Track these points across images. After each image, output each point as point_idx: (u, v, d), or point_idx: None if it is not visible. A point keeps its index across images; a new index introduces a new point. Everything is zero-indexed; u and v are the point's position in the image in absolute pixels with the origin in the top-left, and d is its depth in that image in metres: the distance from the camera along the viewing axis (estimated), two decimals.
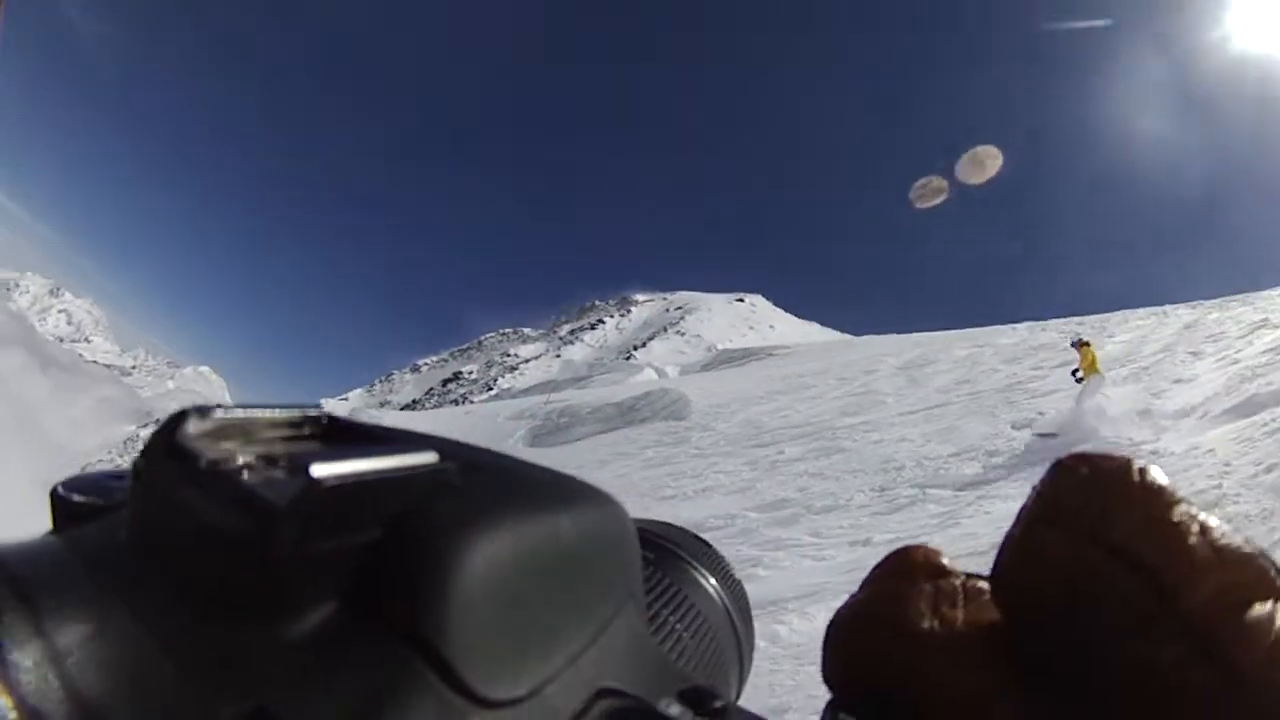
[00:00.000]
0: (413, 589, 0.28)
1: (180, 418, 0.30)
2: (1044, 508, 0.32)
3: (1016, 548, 0.33)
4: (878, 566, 0.38)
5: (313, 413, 0.34)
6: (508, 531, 0.32)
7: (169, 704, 0.24)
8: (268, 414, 0.32)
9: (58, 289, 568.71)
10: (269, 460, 0.29)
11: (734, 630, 0.67)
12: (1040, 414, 19.20)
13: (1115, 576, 0.30)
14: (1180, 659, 0.29)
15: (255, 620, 0.27)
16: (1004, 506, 12.43)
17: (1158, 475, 0.32)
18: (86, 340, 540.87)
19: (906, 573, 0.37)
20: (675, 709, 0.33)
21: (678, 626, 0.60)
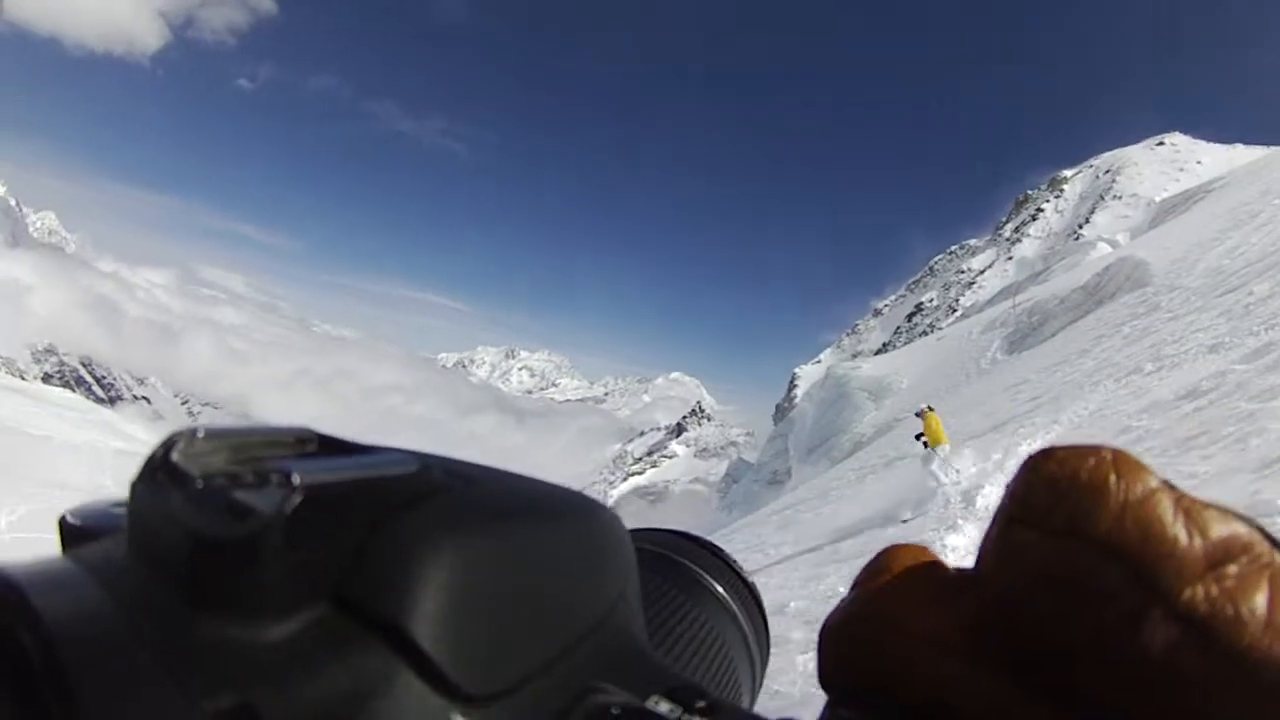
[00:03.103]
0: (394, 588, 0.30)
1: (173, 440, 0.32)
2: (1018, 508, 0.32)
3: (994, 552, 0.32)
4: (867, 567, 0.38)
5: (302, 431, 0.35)
6: (489, 533, 0.34)
7: (157, 701, 0.25)
8: (258, 433, 0.33)
9: (513, 351, 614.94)
10: (258, 474, 0.30)
11: (742, 633, 0.68)
12: None
13: (1098, 572, 0.29)
14: (1175, 646, 0.28)
15: (244, 622, 0.28)
16: None
17: (1132, 460, 0.31)
18: (554, 385, 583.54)
19: (895, 572, 0.37)
20: (664, 706, 0.34)
21: (677, 629, 0.61)
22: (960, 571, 0.36)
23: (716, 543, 0.75)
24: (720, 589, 0.69)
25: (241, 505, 0.29)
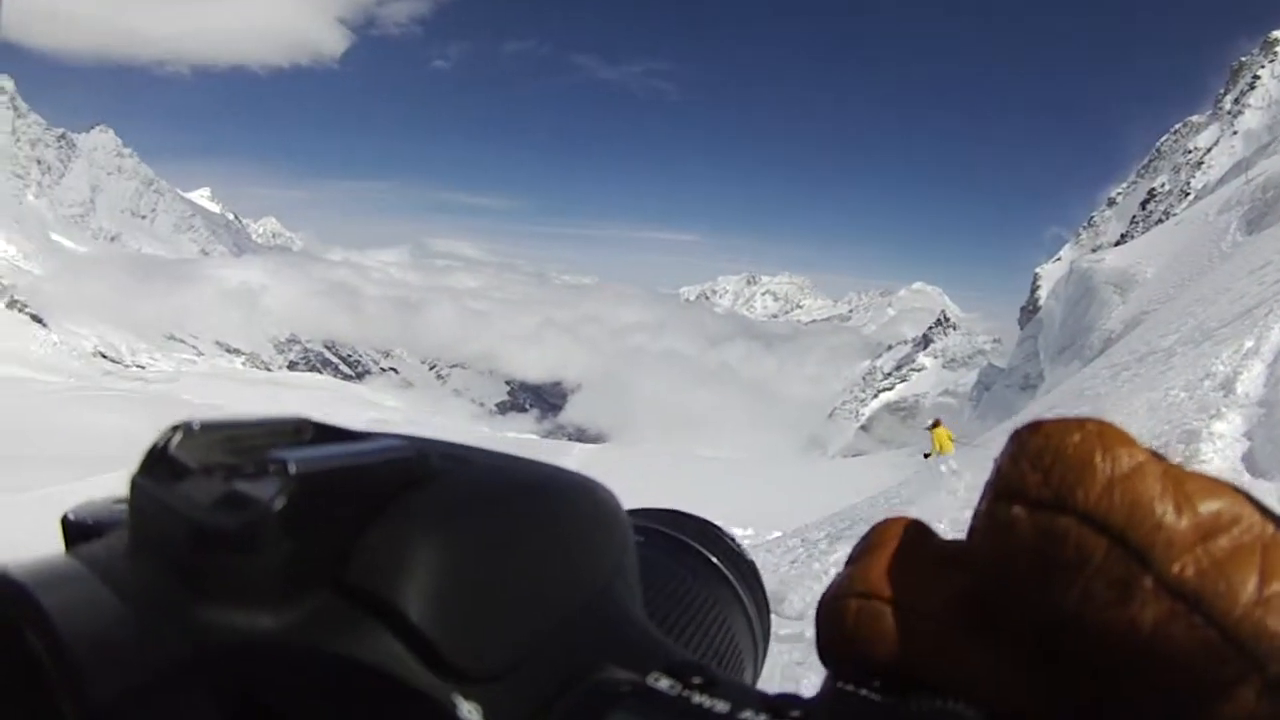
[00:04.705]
0: (391, 572, 0.30)
1: (171, 433, 0.32)
2: (1005, 482, 0.31)
3: (983, 527, 0.32)
4: (862, 541, 0.38)
5: (299, 421, 0.36)
6: (484, 515, 0.35)
7: (161, 693, 0.26)
8: (256, 425, 0.34)
9: (753, 277, 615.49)
10: (256, 464, 0.31)
11: (744, 610, 0.69)
12: None
13: (1085, 544, 0.29)
14: (1165, 619, 0.28)
15: (245, 610, 0.28)
16: None
17: (1119, 432, 0.31)
18: (798, 306, 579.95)
19: (889, 546, 0.37)
20: (664, 682, 0.34)
21: (679, 606, 0.61)
22: (953, 544, 0.36)
23: (717, 521, 0.75)
24: (721, 566, 0.69)
25: (239, 495, 0.29)
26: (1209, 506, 0.29)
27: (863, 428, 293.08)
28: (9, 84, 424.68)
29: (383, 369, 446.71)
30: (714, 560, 0.69)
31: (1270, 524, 0.30)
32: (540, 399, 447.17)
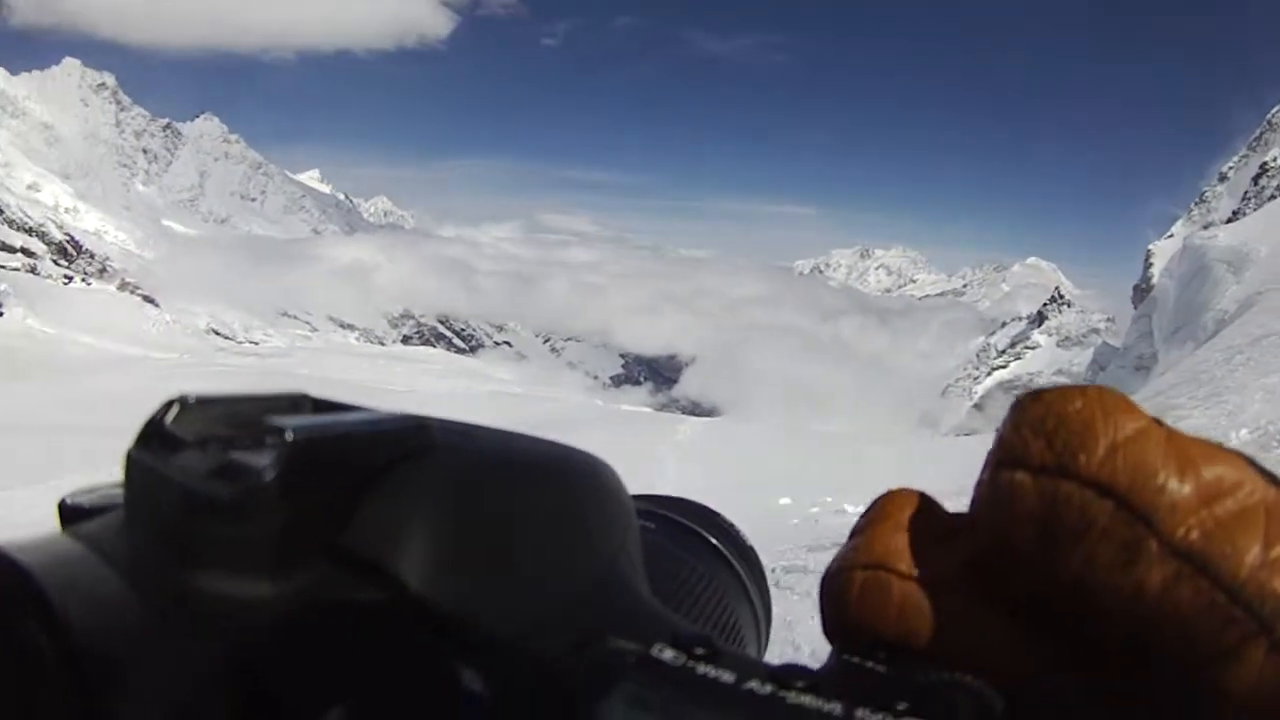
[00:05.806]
0: (389, 540, 0.30)
1: (167, 407, 0.32)
2: (1007, 450, 0.32)
3: (986, 495, 0.33)
4: (865, 514, 0.38)
5: (297, 395, 0.36)
6: (484, 485, 0.35)
7: (156, 668, 0.26)
8: (253, 399, 0.34)
9: (867, 251, 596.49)
10: (253, 433, 0.30)
11: (746, 592, 0.70)
12: None
13: (1089, 509, 0.29)
14: (1170, 581, 0.29)
15: (243, 581, 0.28)
16: None
17: (1120, 398, 0.31)
18: (911, 281, 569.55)
19: (894, 518, 0.37)
20: (669, 653, 0.34)
21: (683, 587, 0.63)
22: (957, 514, 0.36)
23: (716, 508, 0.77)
24: (724, 550, 0.71)
25: (234, 464, 0.29)
26: (1212, 471, 0.29)
27: (976, 406, 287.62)
28: (110, 79, 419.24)
29: (496, 343, 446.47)
30: (717, 544, 0.71)
31: (1274, 488, 0.30)
32: (655, 372, 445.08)
